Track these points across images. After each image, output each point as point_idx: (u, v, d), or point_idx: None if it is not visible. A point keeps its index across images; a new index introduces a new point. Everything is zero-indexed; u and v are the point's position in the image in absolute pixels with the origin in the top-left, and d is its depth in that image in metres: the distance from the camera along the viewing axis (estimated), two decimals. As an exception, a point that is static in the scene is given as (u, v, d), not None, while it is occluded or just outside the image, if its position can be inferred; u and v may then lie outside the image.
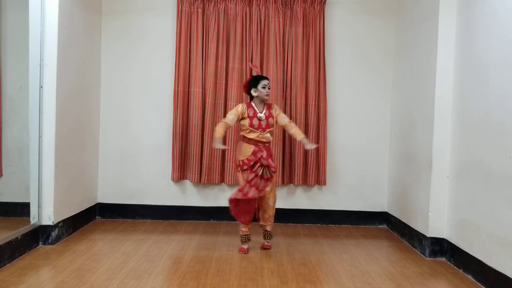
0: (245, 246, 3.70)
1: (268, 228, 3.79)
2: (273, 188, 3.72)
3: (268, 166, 3.58)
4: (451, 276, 3.31)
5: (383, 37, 4.77)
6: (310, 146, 3.70)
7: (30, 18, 3.59)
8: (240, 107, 3.65)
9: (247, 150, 3.62)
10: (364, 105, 4.79)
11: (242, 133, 3.69)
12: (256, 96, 3.65)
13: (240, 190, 3.54)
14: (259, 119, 3.61)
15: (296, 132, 3.72)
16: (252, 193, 3.51)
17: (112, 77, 4.71)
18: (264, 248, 3.78)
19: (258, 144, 3.62)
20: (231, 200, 3.57)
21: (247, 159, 3.59)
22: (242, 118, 3.63)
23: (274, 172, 3.64)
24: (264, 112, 3.64)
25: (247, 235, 3.72)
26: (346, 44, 4.77)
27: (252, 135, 3.62)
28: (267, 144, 3.68)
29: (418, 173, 3.98)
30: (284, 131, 4.61)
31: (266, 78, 3.68)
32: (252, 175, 3.54)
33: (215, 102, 4.60)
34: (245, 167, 3.59)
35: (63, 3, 3.73)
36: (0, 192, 4.06)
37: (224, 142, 4.60)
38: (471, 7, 3.41)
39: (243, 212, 3.60)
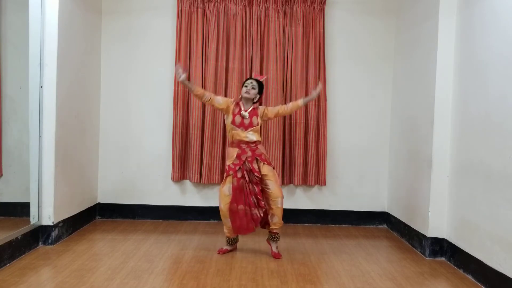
0: (227, 248, 3.69)
1: (277, 230, 3.62)
2: (278, 188, 3.57)
3: (251, 171, 3.51)
4: (451, 276, 3.31)
5: (383, 37, 4.77)
6: (316, 93, 3.64)
7: (30, 18, 3.59)
8: (230, 100, 3.64)
9: (232, 153, 3.56)
10: (364, 105, 4.79)
11: (227, 134, 3.65)
12: (243, 97, 3.61)
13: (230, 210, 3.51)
14: (242, 117, 3.53)
15: (293, 104, 3.66)
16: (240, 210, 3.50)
17: (112, 77, 4.71)
18: (274, 257, 3.58)
19: (241, 145, 3.53)
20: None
21: (232, 163, 3.52)
22: (227, 113, 3.58)
23: (258, 177, 3.50)
24: (249, 111, 3.57)
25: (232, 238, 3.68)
26: (346, 44, 4.77)
27: (234, 134, 3.54)
28: (252, 145, 3.54)
29: (418, 173, 3.98)
30: (284, 130, 4.62)
31: (252, 78, 3.66)
32: (236, 180, 3.49)
33: (215, 102, 4.60)
34: (230, 172, 3.51)
35: (63, 3, 3.73)
36: (0, 192, 4.06)
37: (224, 146, 4.60)
38: (471, 7, 3.41)
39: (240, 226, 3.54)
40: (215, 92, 4.59)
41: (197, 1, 4.58)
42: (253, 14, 4.60)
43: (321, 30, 4.63)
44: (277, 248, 3.66)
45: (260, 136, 3.64)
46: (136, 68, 4.72)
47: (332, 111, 4.75)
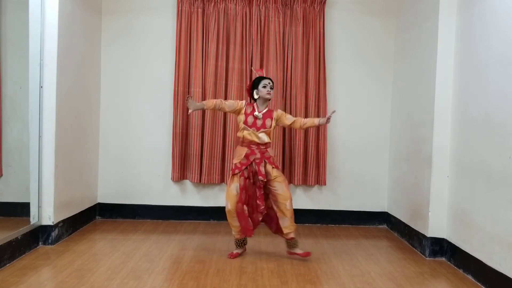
0: (237, 251, 3.55)
1: (293, 235, 3.50)
2: (287, 190, 3.49)
3: (257, 173, 3.43)
4: (451, 276, 3.31)
5: (383, 37, 4.77)
6: (323, 120, 3.49)
7: (30, 18, 3.59)
8: (241, 101, 3.55)
9: (241, 152, 3.49)
10: (364, 105, 4.79)
11: (238, 133, 3.57)
12: (259, 98, 3.50)
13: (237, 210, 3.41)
14: (255, 117, 3.46)
15: (309, 121, 3.54)
16: (244, 211, 3.42)
17: (112, 77, 4.71)
18: (305, 256, 3.50)
19: (251, 146, 3.47)
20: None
21: (239, 162, 3.46)
22: (239, 114, 3.50)
23: (263, 181, 3.43)
24: (263, 112, 3.50)
25: (241, 239, 3.55)
26: (346, 44, 4.77)
27: (246, 134, 3.46)
28: (262, 147, 3.48)
29: (418, 173, 3.97)
30: (284, 129, 4.62)
31: (267, 78, 3.53)
32: (243, 179, 3.41)
33: (215, 102, 4.60)
34: (236, 170, 3.44)
35: (63, 3, 3.73)
36: (0, 192, 4.06)
37: (224, 146, 4.60)
38: (471, 7, 3.41)
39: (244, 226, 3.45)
40: (215, 92, 4.59)
41: (197, 1, 4.58)
42: (253, 14, 4.60)
43: (321, 30, 4.63)
44: (299, 249, 3.56)
45: (271, 138, 3.56)
46: (136, 68, 4.72)
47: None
